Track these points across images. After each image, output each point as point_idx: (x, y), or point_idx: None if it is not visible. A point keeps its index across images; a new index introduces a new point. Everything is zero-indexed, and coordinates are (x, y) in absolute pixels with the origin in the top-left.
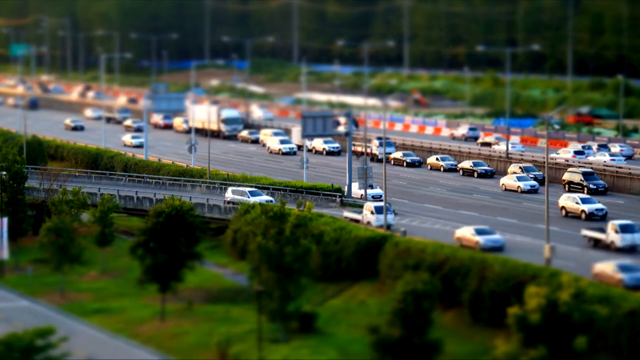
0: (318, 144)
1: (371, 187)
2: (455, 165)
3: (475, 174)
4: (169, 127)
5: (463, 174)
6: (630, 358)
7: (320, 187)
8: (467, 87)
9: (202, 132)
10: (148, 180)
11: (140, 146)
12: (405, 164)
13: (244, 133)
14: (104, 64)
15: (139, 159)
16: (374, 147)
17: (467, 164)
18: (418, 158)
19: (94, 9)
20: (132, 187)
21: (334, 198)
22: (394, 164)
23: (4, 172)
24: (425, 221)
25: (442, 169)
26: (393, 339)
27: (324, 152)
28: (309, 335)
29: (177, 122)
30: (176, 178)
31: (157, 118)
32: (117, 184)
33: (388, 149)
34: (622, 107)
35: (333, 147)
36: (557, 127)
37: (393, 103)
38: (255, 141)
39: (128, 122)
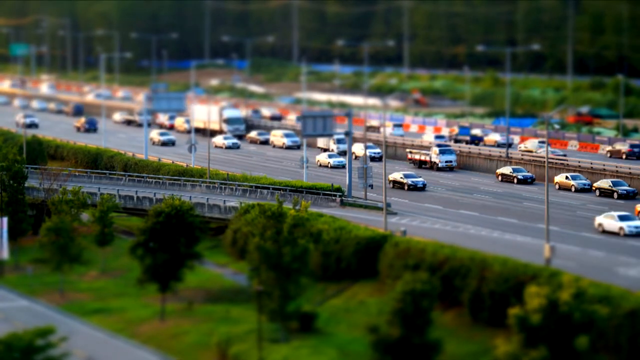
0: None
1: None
2: (590, 185)
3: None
4: (174, 127)
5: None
6: (630, 358)
7: (320, 186)
8: (467, 87)
9: (203, 132)
10: (148, 180)
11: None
12: (516, 180)
13: (253, 134)
14: (104, 63)
15: (138, 159)
16: (434, 155)
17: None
18: (530, 174)
19: (94, 9)
20: (132, 186)
21: (334, 198)
22: (501, 181)
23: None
24: (426, 221)
25: (573, 188)
26: (393, 339)
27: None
28: (309, 335)
29: (179, 122)
30: (176, 178)
31: (163, 118)
32: (117, 183)
33: (449, 157)
34: (622, 107)
35: (374, 153)
36: (557, 126)
37: (393, 103)
38: (265, 142)
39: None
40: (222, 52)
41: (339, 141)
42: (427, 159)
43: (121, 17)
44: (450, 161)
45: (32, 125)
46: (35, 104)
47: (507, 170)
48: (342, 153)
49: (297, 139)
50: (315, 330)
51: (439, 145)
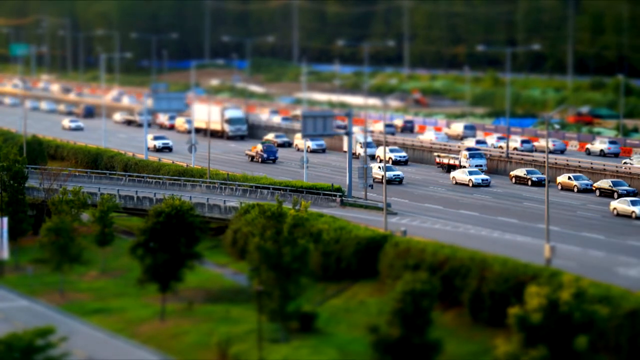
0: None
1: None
2: (591, 185)
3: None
4: (175, 127)
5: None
6: (630, 358)
7: (320, 186)
8: (467, 87)
9: (204, 132)
10: (148, 180)
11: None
12: (530, 182)
13: (270, 136)
14: (104, 63)
15: (139, 159)
16: (463, 159)
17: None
18: (544, 176)
19: (94, 9)
20: (132, 186)
21: (334, 198)
22: (515, 183)
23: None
24: (426, 221)
25: (575, 189)
26: (393, 339)
27: (390, 161)
28: (309, 335)
29: (179, 122)
30: (176, 178)
31: (163, 118)
32: (117, 183)
33: (479, 161)
34: (623, 107)
35: (400, 157)
36: (557, 126)
37: (393, 103)
38: (283, 145)
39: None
40: (222, 52)
41: (368, 145)
42: (457, 162)
43: (121, 17)
44: (481, 165)
45: (78, 129)
46: (44, 105)
47: (521, 172)
48: (371, 157)
49: (322, 142)
50: (315, 330)
51: (468, 149)
